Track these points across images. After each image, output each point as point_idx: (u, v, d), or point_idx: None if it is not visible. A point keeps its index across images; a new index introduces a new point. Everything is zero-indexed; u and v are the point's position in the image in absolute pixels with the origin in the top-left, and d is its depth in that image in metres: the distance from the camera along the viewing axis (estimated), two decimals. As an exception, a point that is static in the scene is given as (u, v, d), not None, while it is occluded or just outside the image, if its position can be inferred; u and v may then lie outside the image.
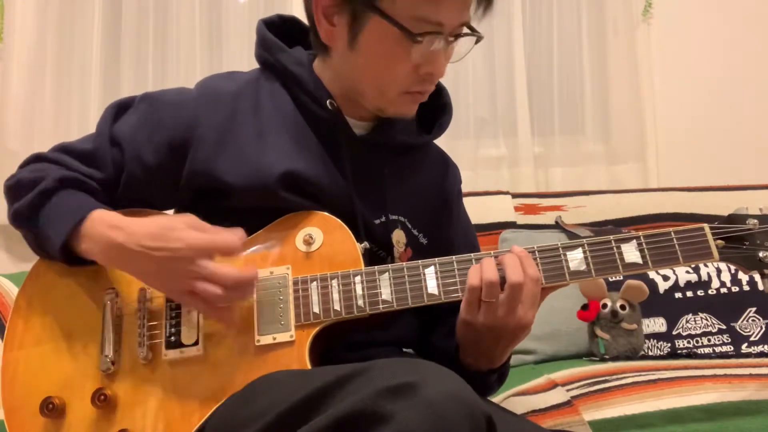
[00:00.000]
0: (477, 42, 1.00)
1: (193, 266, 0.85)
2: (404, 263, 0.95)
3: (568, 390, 1.29)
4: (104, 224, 0.91)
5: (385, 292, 0.93)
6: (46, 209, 0.96)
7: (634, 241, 0.94)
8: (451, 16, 0.93)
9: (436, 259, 0.95)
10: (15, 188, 1.00)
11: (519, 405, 1.25)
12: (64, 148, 1.04)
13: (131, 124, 1.02)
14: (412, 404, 0.65)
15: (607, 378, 1.32)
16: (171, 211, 1.07)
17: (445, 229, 1.13)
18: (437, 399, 0.66)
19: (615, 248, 0.93)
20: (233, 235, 0.88)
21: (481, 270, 0.90)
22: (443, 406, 0.66)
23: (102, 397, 0.90)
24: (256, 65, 1.11)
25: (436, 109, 1.12)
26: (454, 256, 0.95)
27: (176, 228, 0.87)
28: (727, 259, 0.94)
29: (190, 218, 0.90)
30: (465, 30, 0.98)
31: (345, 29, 0.96)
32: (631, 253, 0.93)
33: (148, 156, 0.99)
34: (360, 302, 0.92)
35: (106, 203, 1.00)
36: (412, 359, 0.76)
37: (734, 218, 0.96)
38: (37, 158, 1.03)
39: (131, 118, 1.03)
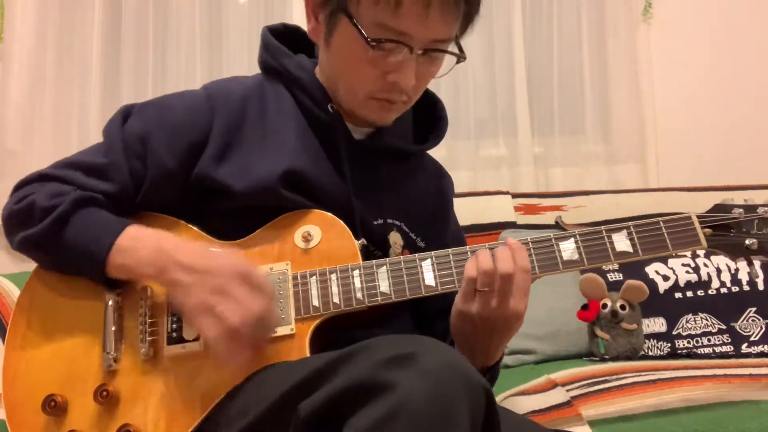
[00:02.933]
0: (458, 62, 0.99)
1: (227, 286, 0.85)
2: (401, 257, 0.96)
3: (568, 390, 1.29)
4: (153, 237, 0.92)
5: (383, 285, 0.94)
6: (65, 235, 0.93)
7: (625, 230, 0.96)
8: (415, 27, 0.92)
9: (432, 252, 0.96)
10: (26, 214, 0.95)
11: (519, 405, 1.25)
12: (71, 164, 1.01)
13: (145, 131, 1.00)
14: (412, 373, 0.66)
15: (607, 378, 1.32)
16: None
17: (441, 234, 1.15)
18: (437, 368, 0.67)
19: (606, 238, 0.96)
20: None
21: (477, 260, 0.91)
22: (443, 375, 0.67)
23: (104, 393, 0.91)
24: (255, 65, 1.12)
25: (431, 122, 1.14)
26: (449, 249, 0.96)
27: (219, 251, 0.91)
28: (714, 246, 0.97)
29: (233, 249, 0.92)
30: (447, 47, 0.97)
31: (324, 27, 0.98)
32: (621, 242, 0.95)
33: (170, 162, 0.99)
34: (359, 295, 0.93)
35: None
36: (408, 335, 0.77)
37: (720, 207, 0.99)
38: (41, 177, 1.00)
39: (141, 125, 1.01)
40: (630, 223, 0.96)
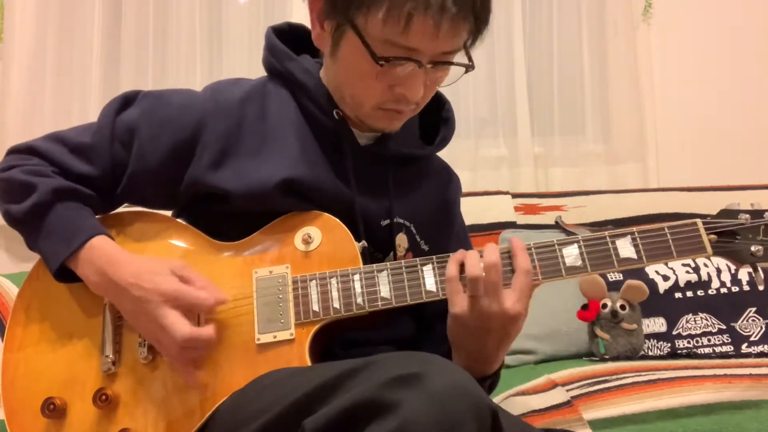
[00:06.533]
0: (466, 71, 0.97)
1: (157, 312, 0.87)
2: (402, 261, 0.95)
3: (568, 390, 1.29)
4: (103, 258, 0.92)
5: (384, 290, 0.93)
6: (44, 225, 0.95)
7: (629, 236, 0.95)
8: (425, 43, 0.90)
9: (434, 256, 0.95)
10: (6, 187, 0.98)
11: (519, 405, 1.25)
12: (59, 138, 1.02)
13: (135, 121, 1.00)
14: (417, 394, 0.65)
15: (607, 378, 1.31)
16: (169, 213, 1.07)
17: (445, 238, 1.14)
18: (443, 389, 0.66)
19: (610, 243, 0.94)
20: (209, 296, 0.90)
21: (466, 261, 0.91)
22: (449, 397, 0.66)
23: (103, 396, 0.91)
24: (255, 65, 1.12)
25: (438, 122, 1.13)
26: (451, 254, 0.95)
27: (157, 272, 0.90)
28: (719, 253, 0.95)
29: (177, 265, 0.92)
30: (453, 59, 0.95)
31: (330, 36, 0.97)
32: (625, 248, 0.94)
33: (151, 156, 0.98)
34: (359, 300, 0.93)
35: (101, 207, 1.01)
36: (416, 352, 0.76)
37: (726, 213, 0.97)
38: (28, 150, 1.01)
39: (135, 115, 1.01)
40: (634, 229, 0.95)
